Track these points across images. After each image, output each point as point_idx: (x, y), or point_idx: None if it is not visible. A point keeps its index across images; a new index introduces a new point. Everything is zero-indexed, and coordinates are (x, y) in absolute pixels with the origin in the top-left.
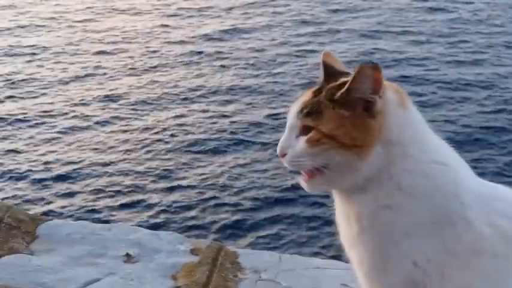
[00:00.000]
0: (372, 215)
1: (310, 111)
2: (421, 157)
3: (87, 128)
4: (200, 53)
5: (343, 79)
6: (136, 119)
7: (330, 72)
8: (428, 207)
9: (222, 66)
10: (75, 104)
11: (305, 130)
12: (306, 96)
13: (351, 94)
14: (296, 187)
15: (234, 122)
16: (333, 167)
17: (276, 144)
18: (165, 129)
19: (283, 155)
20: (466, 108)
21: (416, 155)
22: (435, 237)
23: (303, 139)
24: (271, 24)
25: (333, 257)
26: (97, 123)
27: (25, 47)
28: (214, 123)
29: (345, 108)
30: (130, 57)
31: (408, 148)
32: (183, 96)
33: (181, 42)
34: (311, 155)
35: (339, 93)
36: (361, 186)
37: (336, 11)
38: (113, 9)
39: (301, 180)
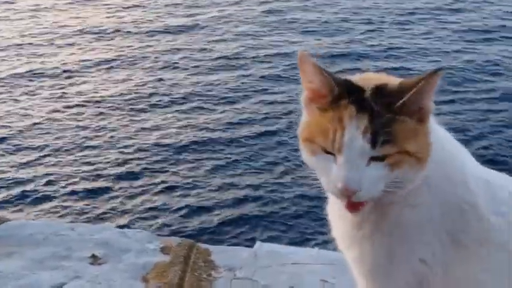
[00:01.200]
0: (396, 215)
1: (387, 137)
2: (434, 147)
3: (48, 128)
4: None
5: (386, 83)
6: (104, 119)
7: (334, 78)
8: (440, 197)
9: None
10: (35, 104)
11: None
12: (359, 119)
13: (413, 102)
14: (266, 185)
15: (204, 122)
16: (401, 186)
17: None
18: (135, 130)
19: (353, 191)
20: None
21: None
22: (443, 229)
23: (380, 165)
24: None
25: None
26: (50, 120)
27: None
28: (186, 123)
29: (408, 117)
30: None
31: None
32: (153, 100)
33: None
34: (391, 180)
35: (399, 103)
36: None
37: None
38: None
39: (347, 207)
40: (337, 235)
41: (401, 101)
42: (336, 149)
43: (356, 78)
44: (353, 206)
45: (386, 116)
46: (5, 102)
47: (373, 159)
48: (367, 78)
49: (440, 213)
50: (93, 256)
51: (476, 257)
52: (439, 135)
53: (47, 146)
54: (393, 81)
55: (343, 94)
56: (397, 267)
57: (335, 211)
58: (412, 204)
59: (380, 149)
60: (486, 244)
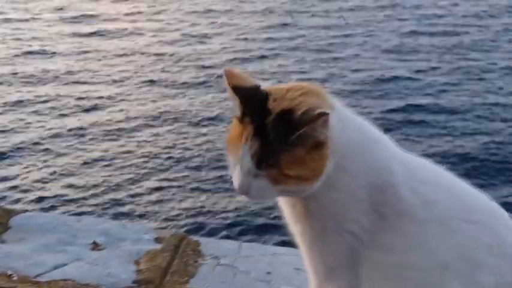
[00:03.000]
0: (323, 198)
1: (271, 162)
2: (354, 137)
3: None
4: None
5: (279, 107)
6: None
7: (245, 95)
8: (363, 180)
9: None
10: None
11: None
12: (252, 142)
13: (305, 137)
14: None
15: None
16: (294, 195)
17: None
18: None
19: (243, 193)
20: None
21: (351, 136)
22: (368, 206)
23: (265, 180)
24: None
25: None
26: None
27: None
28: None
29: (300, 147)
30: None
31: (342, 137)
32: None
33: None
34: (276, 191)
35: (292, 137)
36: None
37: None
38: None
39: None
40: (286, 217)
41: (293, 136)
42: (234, 158)
43: (280, 90)
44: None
45: (276, 145)
46: (25, 107)
47: (259, 175)
48: (284, 97)
49: (364, 193)
50: (94, 243)
51: (394, 227)
52: (359, 125)
53: (60, 150)
54: (307, 104)
55: (247, 114)
56: (330, 239)
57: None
58: (337, 188)
59: (263, 170)
60: (401, 217)
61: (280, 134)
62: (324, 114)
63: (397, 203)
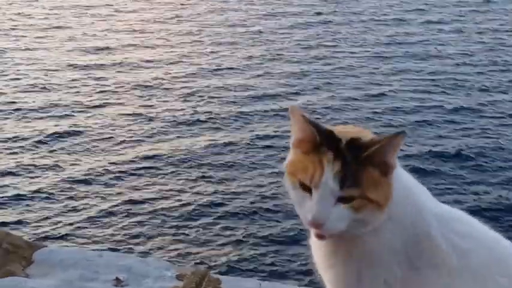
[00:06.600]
0: (363, 244)
1: (353, 182)
2: (396, 185)
3: (77, 157)
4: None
5: (359, 137)
6: (120, 148)
7: (317, 127)
8: (400, 229)
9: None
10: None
11: (345, 198)
12: (334, 164)
13: (378, 156)
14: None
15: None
16: (363, 227)
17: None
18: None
19: (319, 224)
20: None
21: (395, 185)
22: (403, 255)
23: (345, 206)
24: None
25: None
26: (86, 150)
27: None
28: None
29: (373, 168)
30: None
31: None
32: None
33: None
34: (354, 220)
35: (366, 154)
36: None
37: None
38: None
39: (315, 234)
40: (316, 261)
41: (366, 153)
42: (313, 185)
43: (338, 128)
44: (319, 235)
45: (355, 165)
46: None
47: (340, 200)
48: (345, 132)
49: (401, 243)
50: (117, 279)
51: (428, 278)
52: (402, 177)
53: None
54: (366, 135)
55: (323, 142)
56: (364, 286)
57: (314, 240)
58: (377, 235)
59: (346, 191)
60: (436, 268)
61: (356, 156)
62: (403, 133)
63: (431, 254)
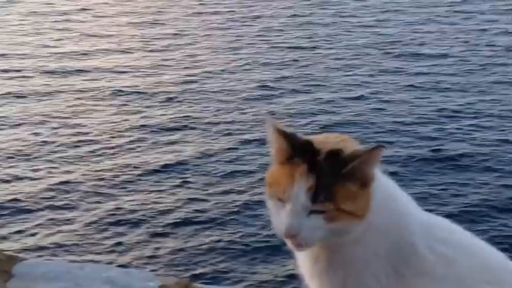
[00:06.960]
0: (346, 252)
1: (326, 196)
2: (379, 194)
3: (56, 167)
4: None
5: (340, 148)
6: (98, 157)
7: (291, 138)
8: (384, 237)
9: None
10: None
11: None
12: (307, 178)
13: (357, 170)
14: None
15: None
16: (341, 236)
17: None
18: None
19: (293, 236)
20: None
21: (377, 194)
22: (388, 263)
23: (319, 218)
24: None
25: None
26: (64, 160)
27: None
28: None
29: (352, 182)
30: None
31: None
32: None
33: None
34: (328, 231)
35: (345, 170)
36: None
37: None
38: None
39: (291, 245)
40: (302, 269)
41: (345, 169)
42: (285, 198)
43: (319, 138)
44: (296, 245)
45: (331, 179)
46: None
47: (313, 211)
48: (326, 142)
49: (385, 251)
50: None
51: (414, 287)
52: (383, 185)
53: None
54: (349, 146)
55: (298, 154)
56: None
57: None
58: (360, 243)
59: (319, 205)
60: (422, 276)
61: (333, 169)
62: (381, 147)
63: (416, 262)
